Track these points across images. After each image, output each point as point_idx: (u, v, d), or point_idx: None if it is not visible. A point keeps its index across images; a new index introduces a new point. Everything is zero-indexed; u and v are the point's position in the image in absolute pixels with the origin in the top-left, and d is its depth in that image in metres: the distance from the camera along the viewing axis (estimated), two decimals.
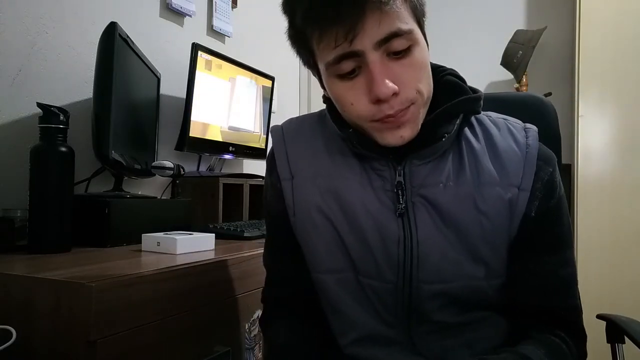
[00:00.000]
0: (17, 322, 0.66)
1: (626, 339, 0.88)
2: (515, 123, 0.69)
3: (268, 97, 1.91)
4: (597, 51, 2.08)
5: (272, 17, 2.19)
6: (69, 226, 0.93)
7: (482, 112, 0.68)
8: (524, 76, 2.38)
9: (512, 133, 0.66)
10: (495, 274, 0.64)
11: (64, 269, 0.73)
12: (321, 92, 0.68)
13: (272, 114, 1.97)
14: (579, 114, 2.09)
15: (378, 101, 0.56)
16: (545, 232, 0.64)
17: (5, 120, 1.08)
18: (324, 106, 0.71)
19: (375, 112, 0.58)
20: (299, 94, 2.54)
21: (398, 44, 0.56)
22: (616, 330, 0.91)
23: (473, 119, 0.68)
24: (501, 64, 2.43)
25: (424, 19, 0.61)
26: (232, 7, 1.91)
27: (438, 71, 0.68)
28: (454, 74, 0.68)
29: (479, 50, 2.65)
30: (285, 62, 2.29)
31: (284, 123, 0.76)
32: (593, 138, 2.07)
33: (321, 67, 0.61)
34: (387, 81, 0.55)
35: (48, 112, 0.92)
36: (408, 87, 0.57)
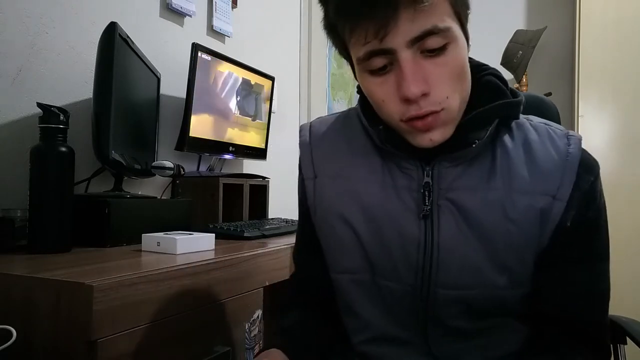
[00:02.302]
0: (17, 322, 0.66)
1: (627, 339, 0.88)
2: (557, 129, 0.64)
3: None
4: (597, 51, 2.07)
5: (272, 17, 2.19)
6: (68, 226, 0.93)
7: (523, 116, 0.65)
8: (524, 76, 2.37)
9: (553, 139, 0.63)
10: (518, 284, 0.61)
11: (64, 269, 0.73)
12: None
13: (272, 114, 1.96)
14: (579, 114, 2.09)
15: (407, 101, 0.55)
16: (580, 244, 0.61)
17: (5, 120, 1.08)
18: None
19: (404, 112, 0.56)
20: (299, 94, 2.54)
21: (433, 42, 0.53)
22: (617, 331, 0.90)
23: (513, 123, 0.64)
24: (501, 63, 2.43)
25: (468, 11, 0.57)
26: (232, 7, 1.91)
27: (478, 70, 0.64)
28: (495, 74, 0.64)
29: (478, 50, 2.64)
30: (285, 62, 2.29)
31: (314, 121, 0.76)
32: (593, 138, 2.07)
33: (353, 59, 0.59)
34: (417, 81, 0.53)
35: (48, 112, 0.92)
36: (440, 88, 0.54)
